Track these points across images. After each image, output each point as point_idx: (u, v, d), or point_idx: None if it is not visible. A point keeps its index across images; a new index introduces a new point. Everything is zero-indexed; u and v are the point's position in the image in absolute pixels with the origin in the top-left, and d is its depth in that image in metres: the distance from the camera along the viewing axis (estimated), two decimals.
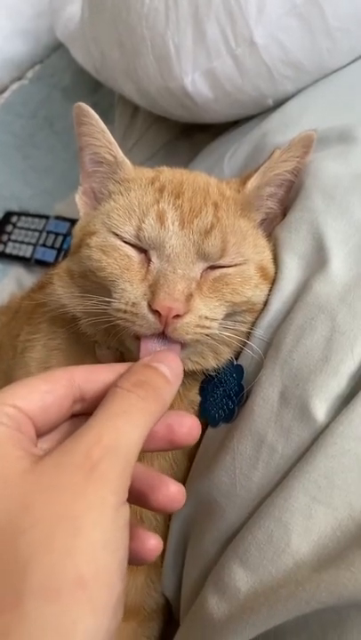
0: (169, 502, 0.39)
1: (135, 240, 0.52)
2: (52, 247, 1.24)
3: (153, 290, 0.49)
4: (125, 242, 0.53)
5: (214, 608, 0.45)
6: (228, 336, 0.53)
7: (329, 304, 0.48)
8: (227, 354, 0.56)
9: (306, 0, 0.71)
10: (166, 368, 0.39)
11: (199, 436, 0.40)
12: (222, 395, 0.54)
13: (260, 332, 0.54)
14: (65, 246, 1.21)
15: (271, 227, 0.61)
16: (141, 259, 0.52)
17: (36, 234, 1.27)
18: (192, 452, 0.57)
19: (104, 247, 0.53)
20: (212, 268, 0.53)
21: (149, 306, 0.48)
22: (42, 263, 1.23)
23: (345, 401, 0.44)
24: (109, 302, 0.51)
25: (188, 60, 0.80)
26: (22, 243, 1.28)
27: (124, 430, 0.33)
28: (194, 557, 0.52)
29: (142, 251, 0.53)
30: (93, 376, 0.38)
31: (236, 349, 0.56)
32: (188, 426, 0.40)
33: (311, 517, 0.41)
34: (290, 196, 0.60)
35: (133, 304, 0.49)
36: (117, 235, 0.53)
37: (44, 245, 1.25)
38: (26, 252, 1.26)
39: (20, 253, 1.27)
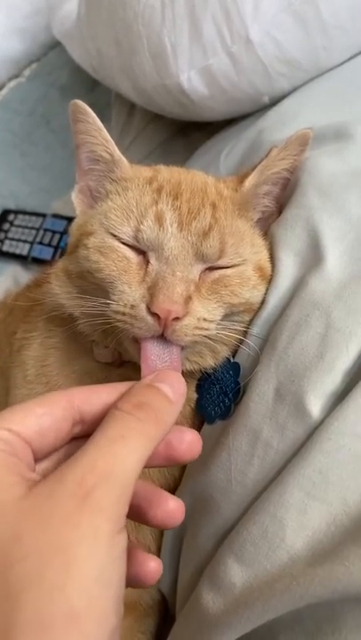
0: (168, 518, 0.38)
1: (133, 241, 0.52)
2: (49, 245, 1.24)
3: (152, 292, 0.49)
4: (123, 243, 0.53)
5: (210, 603, 0.45)
6: (226, 335, 0.53)
7: (324, 301, 0.49)
8: (224, 352, 0.56)
9: None
10: (169, 388, 0.38)
11: (200, 451, 0.39)
12: (219, 392, 0.54)
13: (257, 329, 0.54)
14: (62, 244, 1.21)
15: (267, 224, 0.61)
16: (140, 260, 0.52)
17: (33, 232, 1.27)
18: None
19: (102, 248, 0.53)
20: (211, 269, 0.53)
21: (148, 308, 0.48)
22: (39, 261, 1.23)
23: (340, 397, 0.44)
24: (108, 304, 0.51)
25: (184, 58, 0.80)
26: (19, 240, 1.28)
27: (120, 456, 0.32)
28: (189, 553, 0.52)
29: (140, 252, 0.52)
30: (93, 397, 0.37)
31: (233, 347, 0.56)
32: (188, 442, 0.39)
33: (306, 513, 0.41)
34: (286, 193, 0.61)
35: (132, 306, 0.49)
36: (115, 236, 0.53)
37: (40, 243, 1.25)
38: (23, 249, 1.26)
39: (17, 251, 1.27)
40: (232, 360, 0.56)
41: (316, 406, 0.45)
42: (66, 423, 0.36)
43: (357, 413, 0.42)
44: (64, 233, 1.22)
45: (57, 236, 1.24)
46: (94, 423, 0.36)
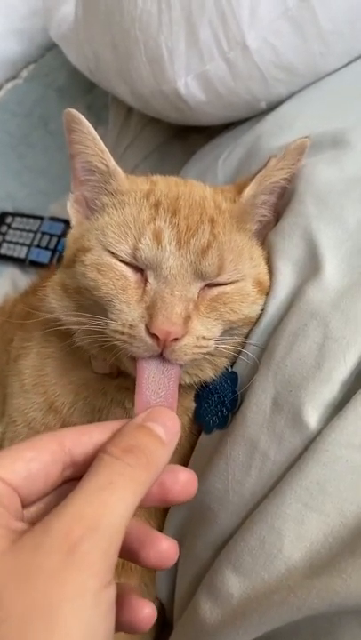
0: (161, 560, 0.37)
1: (131, 259, 0.52)
2: (47, 248, 1.24)
3: (150, 312, 0.48)
4: (121, 260, 0.52)
5: (207, 613, 0.45)
6: (225, 348, 0.53)
7: (322, 310, 0.49)
8: (224, 363, 0.56)
9: (298, 4, 0.71)
10: (161, 428, 0.37)
11: (195, 490, 0.38)
12: (217, 401, 0.54)
13: (255, 338, 0.54)
14: (59, 247, 1.21)
15: (264, 233, 0.61)
16: (138, 278, 0.52)
17: (31, 235, 1.27)
18: (185, 459, 0.58)
19: (99, 266, 0.52)
20: (210, 285, 0.52)
21: (147, 329, 0.48)
22: (36, 264, 1.23)
23: (337, 408, 0.44)
24: (106, 323, 0.50)
25: (180, 63, 0.80)
26: (17, 244, 1.27)
27: (108, 505, 0.31)
28: (187, 562, 0.52)
29: (138, 270, 0.52)
30: (84, 438, 0.36)
31: (232, 358, 0.56)
32: (182, 482, 0.37)
33: (303, 524, 0.41)
34: (283, 201, 0.60)
35: (131, 326, 0.49)
36: (113, 253, 0.52)
37: (38, 246, 1.25)
38: (20, 252, 1.26)
39: (15, 254, 1.26)
40: (230, 369, 0.56)
41: (313, 417, 0.45)
42: (55, 467, 0.35)
43: (355, 424, 0.42)
44: (62, 236, 1.22)
45: (54, 240, 1.24)
46: (86, 465, 0.35)
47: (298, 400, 0.46)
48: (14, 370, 0.64)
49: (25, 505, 0.34)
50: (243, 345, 0.55)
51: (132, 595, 0.37)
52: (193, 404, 0.58)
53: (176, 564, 0.54)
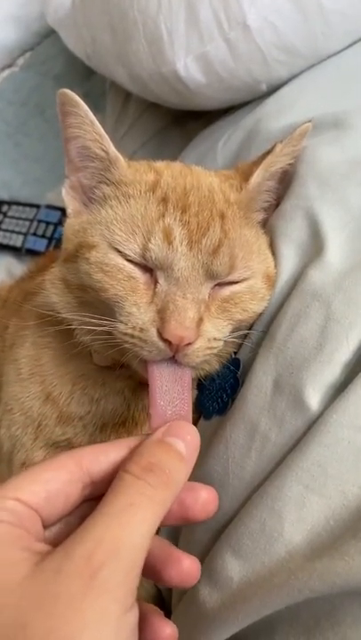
0: (183, 579, 0.37)
1: (140, 259, 0.49)
2: (43, 236, 1.22)
3: (162, 316, 0.46)
4: (128, 260, 0.50)
5: (207, 598, 0.44)
6: (232, 341, 0.52)
7: (324, 292, 0.48)
8: (229, 353, 0.55)
9: None
10: (181, 443, 0.37)
11: (215, 509, 0.38)
12: (218, 387, 0.54)
13: (260, 325, 0.53)
14: (56, 235, 1.20)
15: (267, 217, 0.59)
16: (147, 279, 0.49)
17: (27, 223, 1.26)
18: None
19: (105, 266, 0.49)
20: (220, 284, 0.51)
21: (159, 333, 0.46)
22: (33, 252, 1.22)
23: (339, 389, 0.44)
24: (115, 324, 0.48)
25: (180, 44, 0.78)
26: (13, 232, 1.26)
27: (129, 528, 0.30)
28: (187, 547, 0.52)
29: (147, 269, 0.50)
30: (101, 457, 0.36)
31: (237, 346, 0.55)
32: (202, 501, 0.37)
33: (304, 506, 0.41)
34: (284, 184, 0.60)
35: (141, 329, 0.47)
36: (120, 252, 0.50)
37: (34, 235, 1.24)
38: (16, 241, 1.25)
39: (11, 243, 1.25)
40: (233, 356, 0.55)
41: (314, 398, 0.44)
42: (75, 487, 0.35)
43: (357, 406, 0.41)
44: (58, 224, 1.21)
45: (51, 228, 1.23)
46: (105, 483, 0.35)
47: (299, 382, 0.45)
48: (9, 357, 0.63)
49: (46, 525, 0.34)
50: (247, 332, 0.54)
51: (155, 615, 0.37)
52: (195, 392, 0.57)
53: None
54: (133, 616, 0.30)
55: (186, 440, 0.37)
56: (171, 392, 0.46)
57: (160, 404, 0.45)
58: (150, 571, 0.36)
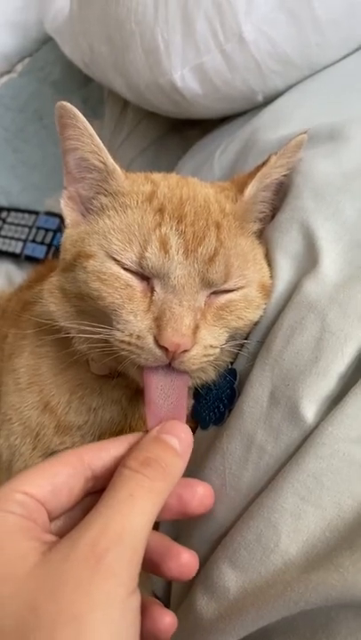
0: (181, 572, 0.39)
1: (137, 268, 0.50)
2: (42, 243, 1.23)
3: (159, 324, 0.47)
4: (125, 268, 0.50)
5: (203, 608, 0.45)
6: (228, 350, 0.53)
7: (319, 304, 0.48)
8: (225, 362, 0.55)
9: None
10: (176, 440, 0.39)
11: (212, 503, 0.41)
12: (214, 397, 0.54)
13: (256, 335, 0.53)
14: (55, 242, 1.20)
15: (262, 228, 0.60)
16: (143, 287, 0.50)
17: (26, 229, 1.26)
18: None
19: (102, 275, 0.50)
20: (216, 292, 0.51)
21: (156, 341, 0.47)
22: (32, 259, 1.22)
23: (334, 401, 0.44)
24: (112, 332, 0.49)
25: (177, 56, 0.79)
26: (12, 238, 1.27)
27: (130, 517, 0.33)
28: None
29: (144, 278, 0.50)
30: (102, 453, 0.39)
31: (233, 356, 0.55)
32: (199, 496, 0.40)
33: (300, 518, 0.41)
34: (279, 195, 0.60)
35: (138, 337, 0.48)
36: (117, 261, 0.50)
37: (34, 241, 1.24)
38: (16, 247, 1.25)
39: (10, 249, 1.26)
40: (229, 366, 0.55)
41: (310, 411, 0.44)
42: (77, 480, 0.37)
43: (352, 418, 0.42)
44: (57, 231, 1.21)
45: (50, 234, 1.23)
46: (106, 478, 0.37)
47: (295, 394, 0.46)
48: (8, 367, 0.64)
49: (52, 518, 0.36)
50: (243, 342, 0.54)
51: (154, 604, 0.39)
52: (192, 401, 0.57)
53: None
54: (137, 600, 0.32)
55: (180, 437, 0.40)
56: (166, 395, 0.48)
57: (155, 406, 0.46)
58: (150, 563, 0.38)
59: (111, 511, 0.33)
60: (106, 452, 0.39)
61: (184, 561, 0.39)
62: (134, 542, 0.32)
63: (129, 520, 0.33)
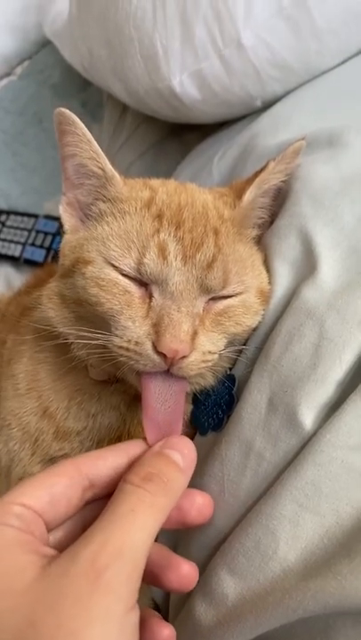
0: (181, 583, 0.39)
1: (135, 274, 0.50)
2: (42, 247, 1.23)
3: (157, 330, 0.47)
4: (124, 275, 0.50)
5: (202, 615, 0.45)
6: (227, 356, 0.53)
7: (317, 310, 0.48)
8: (224, 368, 0.56)
9: (293, 2, 0.71)
10: (179, 455, 0.39)
11: (211, 512, 0.41)
12: (213, 403, 0.54)
13: (254, 341, 0.53)
14: (54, 246, 1.20)
15: (261, 233, 0.60)
16: (142, 293, 0.50)
17: (25, 233, 1.26)
18: None
19: (101, 281, 0.50)
20: (214, 298, 0.51)
21: (154, 347, 0.47)
22: (31, 263, 1.22)
23: (333, 408, 0.44)
24: (110, 338, 0.49)
25: (175, 61, 0.79)
26: (11, 242, 1.27)
27: (130, 532, 0.33)
28: None
29: (142, 284, 0.50)
30: (99, 462, 0.38)
31: (231, 362, 0.56)
32: (197, 505, 0.40)
33: (299, 525, 0.41)
34: (278, 201, 0.60)
35: (136, 343, 0.48)
36: (116, 267, 0.51)
37: (33, 245, 1.24)
38: (15, 251, 1.25)
39: (9, 252, 1.26)
40: (228, 372, 0.55)
41: (308, 418, 0.45)
42: (75, 490, 0.37)
43: (350, 425, 0.42)
44: (56, 234, 1.21)
45: (49, 238, 1.23)
46: (105, 487, 0.37)
47: (293, 400, 0.46)
48: (7, 373, 0.64)
49: (49, 529, 0.36)
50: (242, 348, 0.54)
51: (153, 618, 0.39)
52: (190, 407, 0.58)
53: None
54: (135, 616, 0.32)
55: (183, 453, 0.40)
56: (163, 400, 0.48)
57: (153, 410, 0.46)
58: (150, 575, 0.38)
59: (112, 526, 0.33)
60: (103, 462, 0.38)
61: (184, 572, 0.39)
62: (134, 558, 0.32)
63: (130, 536, 0.32)
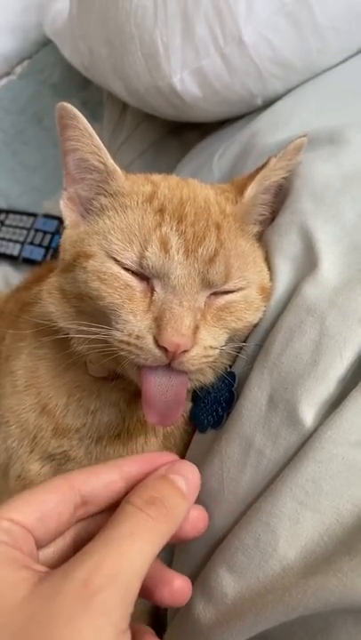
0: (174, 599, 0.38)
1: (137, 268, 0.50)
2: (41, 245, 1.22)
3: (158, 324, 0.47)
4: (125, 268, 0.50)
5: (201, 613, 0.44)
6: (227, 352, 0.53)
7: (318, 307, 0.48)
8: (224, 365, 0.55)
9: None
10: (183, 480, 0.38)
11: (206, 526, 0.40)
12: (213, 400, 0.54)
13: (255, 338, 0.53)
14: (53, 245, 1.20)
15: (262, 230, 0.60)
16: (143, 287, 0.50)
17: (24, 232, 1.26)
18: (180, 456, 0.57)
19: (102, 274, 0.50)
20: (216, 293, 0.51)
21: (155, 341, 0.47)
22: (30, 261, 1.22)
23: (333, 405, 0.44)
24: (111, 332, 0.49)
25: (176, 59, 0.79)
26: (10, 241, 1.26)
27: (128, 556, 0.32)
28: (181, 562, 0.52)
29: (143, 278, 0.50)
30: (92, 478, 0.38)
31: (232, 359, 0.55)
32: (192, 519, 0.39)
33: (299, 522, 0.41)
34: (279, 198, 0.60)
35: (138, 337, 0.47)
36: (117, 261, 0.50)
37: (32, 244, 1.23)
38: (14, 250, 1.25)
39: (8, 251, 1.25)
40: (228, 369, 0.55)
41: (309, 414, 0.44)
42: (67, 507, 0.36)
43: (351, 422, 0.42)
44: (55, 233, 1.21)
45: (48, 237, 1.22)
46: (97, 504, 0.37)
47: (294, 397, 0.45)
48: (6, 370, 0.63)
49: (40, 546, 0.35)
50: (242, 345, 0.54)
51: (147, 634, 0.39)
52: (190, 404, 0.57)
53: (170, 564, 0.54)
54: (127, 639, 0.31)
55: (187, 478, 0.39)
56: (164, 391, 0.48)
57: (153, 400, 0.47)
58: (143, 589, 0.37)
59: (109, 548, 0.32)
60: (96, 478, 0.37)
61: (177, 587, 0.38)
62: (129, 582, 0.31)
63: (127, 559, 0.32)
